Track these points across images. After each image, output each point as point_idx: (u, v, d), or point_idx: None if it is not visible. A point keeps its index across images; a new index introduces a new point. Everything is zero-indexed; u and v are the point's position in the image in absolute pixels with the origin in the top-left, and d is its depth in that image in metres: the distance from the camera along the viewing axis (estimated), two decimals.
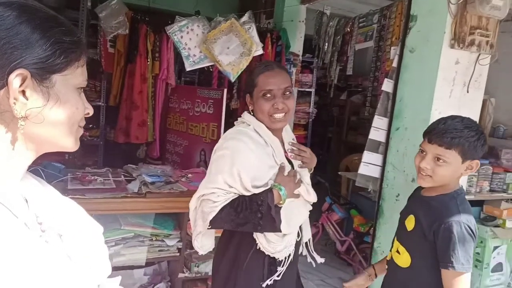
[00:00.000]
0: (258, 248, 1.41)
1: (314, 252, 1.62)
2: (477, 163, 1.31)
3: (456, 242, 1.24)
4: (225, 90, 3.18)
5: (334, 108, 6.48)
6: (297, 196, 1.45)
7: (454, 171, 1.30)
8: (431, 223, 1.30)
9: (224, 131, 3.06)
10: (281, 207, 1.38)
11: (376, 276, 1.62)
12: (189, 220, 1.54)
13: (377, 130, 2.54)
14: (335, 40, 4.12)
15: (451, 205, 1.31)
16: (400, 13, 3.11)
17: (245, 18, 3.52)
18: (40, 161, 2.02)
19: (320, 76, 5.34)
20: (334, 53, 4.14)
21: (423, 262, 1.35)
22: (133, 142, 3.69)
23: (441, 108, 2.21)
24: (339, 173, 4.43)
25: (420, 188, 1.48)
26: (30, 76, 0.57)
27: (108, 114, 3.73)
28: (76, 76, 0.64)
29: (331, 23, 4.15)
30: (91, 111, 0.69)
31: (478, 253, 3.04)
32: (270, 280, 1.42)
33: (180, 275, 2.30)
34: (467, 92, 2.27)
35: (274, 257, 1.42)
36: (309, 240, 1.61)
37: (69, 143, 0.66)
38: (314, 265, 1.65)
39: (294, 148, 1.51)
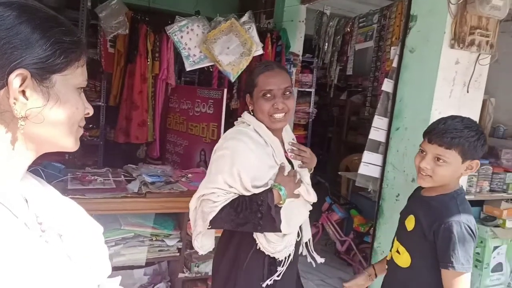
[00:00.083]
0: (258, 248, 1.41)
1: (314, 252, 1.62)
2: (477, 163, 1.31)
3: (456, 242, 1.24)
4: (225, 90, 3.18)
5: (334, 108, 6.48)
6: (297, 196, 1.45)
7: (454, 171, 1.30)
8: (431, 223, 1.30)
9: (224, 131, 3.07)
10: (281, 207, 1.38)
11: (376, 276, 1.62)
12: (189, 220, 1.54)
13: (377, 130, 2.54)
14: (335, 40, 4.12)
15: (451, 205, 1.31)
16: (400, 13, 3.11)
17: (245, 18, 3.52)
18: (40, 161, 2.02)
19: (320, 76, 5.34)
20: (334, 53, 4.14)
21: (423, 262, 1.35)
22: (133, 142, 3.69)
23: (441, 108, 2.21)
24: (339, 173, 4.43)
25: (420, 188, 1.48)
26: (30, 76, 0.57)
27: (108, 114, 3.73)
28: (76, 76, 0.64)
29: (331, 23, 4.15)
30: (91, 111, 0.69)
31: (478, 253, 3.04)
32: (270, 280, 1.42)
33: (180, 275, 2.30)
34: (467, 92, 2.27)
35: (274, 257, 1.42)
36: (309, 240, 1.61)
37: (69, 143, 0.66)
38: (314, 265, 1.65)
39: (294, 148, 1.51)
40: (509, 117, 3.68)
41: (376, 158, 2.56)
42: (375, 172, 2.57)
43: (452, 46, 2.16)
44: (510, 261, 3.27)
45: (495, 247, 3.16)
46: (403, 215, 1.47)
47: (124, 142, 3.69)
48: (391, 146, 2.47)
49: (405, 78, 2.39)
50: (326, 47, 4.21)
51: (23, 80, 0.57)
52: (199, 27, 3.42)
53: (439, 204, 1.33)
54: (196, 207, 1.43)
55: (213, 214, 1.33)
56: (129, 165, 2.55)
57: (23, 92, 0.58)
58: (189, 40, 3.38)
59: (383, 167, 2.52)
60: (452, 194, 1.33)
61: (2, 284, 0.51)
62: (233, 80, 3.56)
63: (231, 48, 3.37)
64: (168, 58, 3.55)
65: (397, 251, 1.44)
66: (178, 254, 2.27)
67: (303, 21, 4.38)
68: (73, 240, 0.68)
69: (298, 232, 1.51)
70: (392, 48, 2.71)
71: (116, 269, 2.05)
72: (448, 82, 2.22)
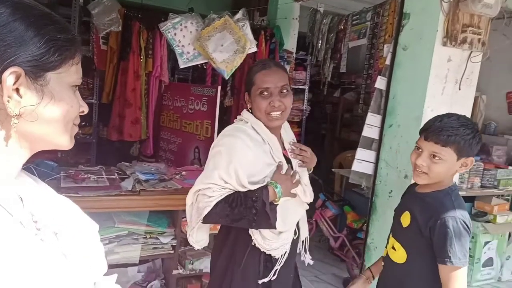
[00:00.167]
0: (254, 245, 1.41)
1: (307, 253, 1.63)
2: (472, 161, 1.33)
3: (453, 237, 1.26)
4: (219, 88, 3.17)
5: (328, 106, 6.49)
6: (294, 195, 1.45)
7: (449, 168, 1.32)
8: (427, 219, 1.32)
9: (218, 129, 3.07)
10: (277, 205, 1.39)
11: (373, 278, 1.63)
12: (183, 217, 1.55)
13: (370, 127, 2.56)
14: (328, 37, 4.13)
15: (446, 201, 1.32)
16: (393, 11, 3.13)
17: (239, 15, 3.52)
18: (32, 159, 2.00)
19: (313, 74, 5.35)
20: (328, 50, 4.16)
21: (418, 258, 1.37)
22: (127, 140, 3.67)
23: (434, 105, 2.23)
24: (332, 170, 4.44)
25: (414, 185, 1.50)
26: (24, 74, 0.57)
27: (101, 111, 3.71)
28: (70, 74, 0.63)
29: (324, 20, 4.16)
30: (86, 109, 0.69)
31: (469, 248, 3.09)
32: (266, 277, 1.42)
33: (174, 272, 2.30)
34: (459, 89, 2.29)
35: (270, 254, 1.43)
36: (305, 239, 1.62)
37: (64, 141, 0.66)
38: (306, 264, 1.66)
39: (295, 148, 1.52)
40: (500, 114, 3.72)
41: (369, 155, 2.58)
42: (368, 169, 2.58)
43: (444, 44, 2.18)
44: (500, 256, 3.32)
45: (486, 242, 3.20)
46: (398, 211, 1.48)
47: (117, 139, 3.67)
48: (384, 143, 2.49)
49: (398, 75, 2.41)
50: (319, 44, 4.22)
51: (17, 78, 0.57)
52: (193, 24, 3.41)
53: (434, 200, 1.35)
54: (193, 203, 1.43)
55: (208, 209, 1.34)
56: (122, 162, 2.53)
57: (17, 90, 0.57)
58: (183, 37, 3.37)
59: (376, 163, 2.54)
60: (446, 190, 1.35)
61: None
62: (227, 78, 3.55)
63: (225, 45, 3.37)
64: (162, 55, 3.53)
65: (393, 248, 1.45)
66: (172, 251, 2.27)
67: (296, 19, 4.39)
68: (68, 239, 0.68)
69: (296, 230, 1.52)
70: (385, 45, 2.72)
71: (110, 267, 2.03)
72: (440, 79, 2.24)
